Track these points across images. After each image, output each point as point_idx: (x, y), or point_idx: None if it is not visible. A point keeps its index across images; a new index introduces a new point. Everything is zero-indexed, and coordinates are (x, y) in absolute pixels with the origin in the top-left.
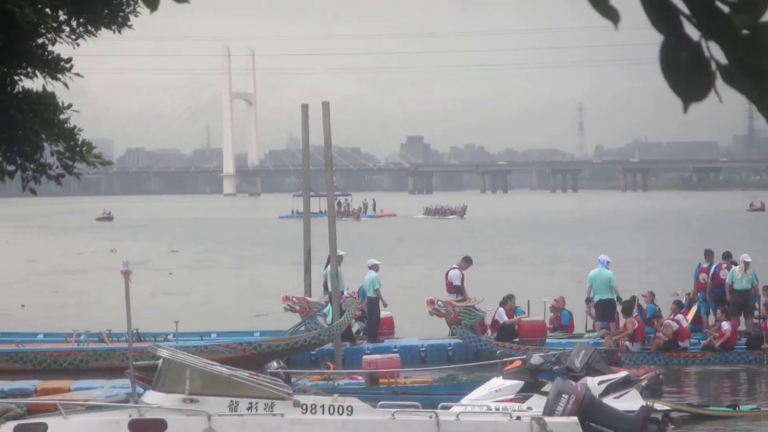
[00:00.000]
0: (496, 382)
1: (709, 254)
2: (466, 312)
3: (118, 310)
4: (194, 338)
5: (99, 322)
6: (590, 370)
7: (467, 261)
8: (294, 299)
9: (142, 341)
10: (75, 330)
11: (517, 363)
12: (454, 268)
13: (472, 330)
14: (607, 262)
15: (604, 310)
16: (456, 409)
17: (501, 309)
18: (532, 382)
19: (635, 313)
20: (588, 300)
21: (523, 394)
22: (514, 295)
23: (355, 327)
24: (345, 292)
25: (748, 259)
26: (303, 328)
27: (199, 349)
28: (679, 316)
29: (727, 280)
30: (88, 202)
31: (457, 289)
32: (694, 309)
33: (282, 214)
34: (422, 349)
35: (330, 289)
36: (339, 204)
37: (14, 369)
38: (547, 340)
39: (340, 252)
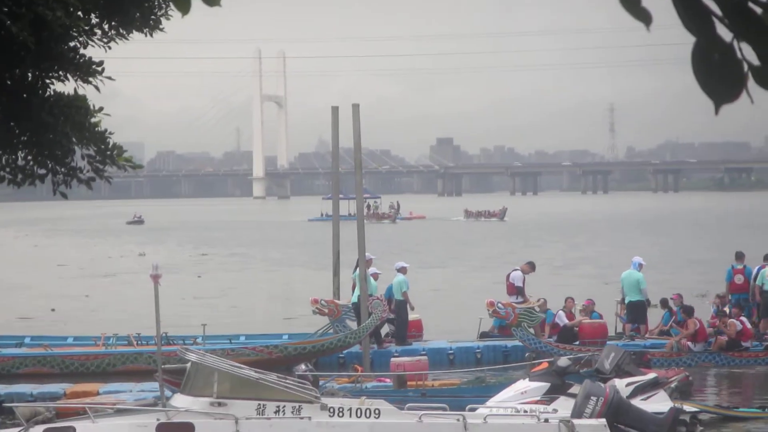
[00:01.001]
0: (523, 384)
1: (740, 256)
2: (525, 314)
3: (147, 314)
4: (223, 341)
5: (129, 325)
6: (620, 372)
7: (531, 265)
8: (323, 302)
9: (170, 344)
10: (103, 333)
11: (544, 365)
12: (516, 269)
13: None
14: (640, 265)
15: (635, 312)
16: (482, 411)
17: (561, 311)
18: (559, 384)
19: (664, 314)
20: (620, 301)
21: (550, 396)
22: (573, 297)
23: (384, 330)
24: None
25: None
26: (331, 330)
27: (225, 352)
28: (743, 317)
29: (757, 281)
30: (118, 205)
31: (518, 291)
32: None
33: (311, 217)
34: (450, 351)
35: (359, 291)
36: (369, 207)
37: (42, 372)
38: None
39: (369, 256)
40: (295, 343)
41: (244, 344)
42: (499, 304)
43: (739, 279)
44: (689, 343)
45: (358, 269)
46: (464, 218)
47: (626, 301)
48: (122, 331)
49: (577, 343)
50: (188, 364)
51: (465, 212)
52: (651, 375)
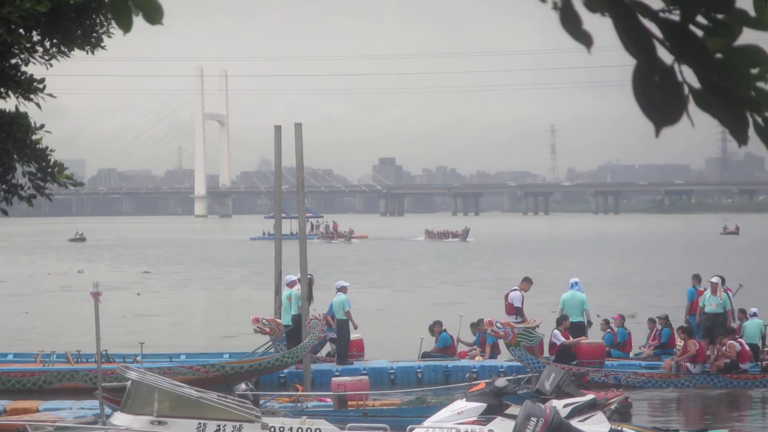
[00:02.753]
0: (460, 404)
1: (698, 277)
2: (525, 334)
3: (87, 331)
4: (163, 360)
5: (68, 342)
6: (560, 392)
7: (528, 282)
8: (264, 321)
9: (110, 362)
10: (41, 350)
11: (481, 385)
12: (515, 289)
13: (530, 351)
14: (577, 283)
15: (576, 332)
16: (418, 431)
17: (556, 330)
18: (496, 404)
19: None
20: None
21: (486, 416)
22: (568, 316)
23: (326, 349)
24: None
25: (716, 281)
26: (272, 349)
27: (162, 371)
28: (742, 339)
29: (700, 303)
30: (59, 223)
31: (517, 311)
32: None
33: (253, 235)
34: (391, 371)
35: (294, 311)
36: (328, 227)
37: None
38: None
39: (291, 277)
40: (232, 362)
41: (181, 363)
42: (498, 324)
43: (701, 301)
44: (688, 364)
45: (288, 288)
46: (425, 239)
47: (571, 321)
48: (61, 348)
49: (575, 362)
50: (128, 382)
51: (426, 232)
52: (589, 396)
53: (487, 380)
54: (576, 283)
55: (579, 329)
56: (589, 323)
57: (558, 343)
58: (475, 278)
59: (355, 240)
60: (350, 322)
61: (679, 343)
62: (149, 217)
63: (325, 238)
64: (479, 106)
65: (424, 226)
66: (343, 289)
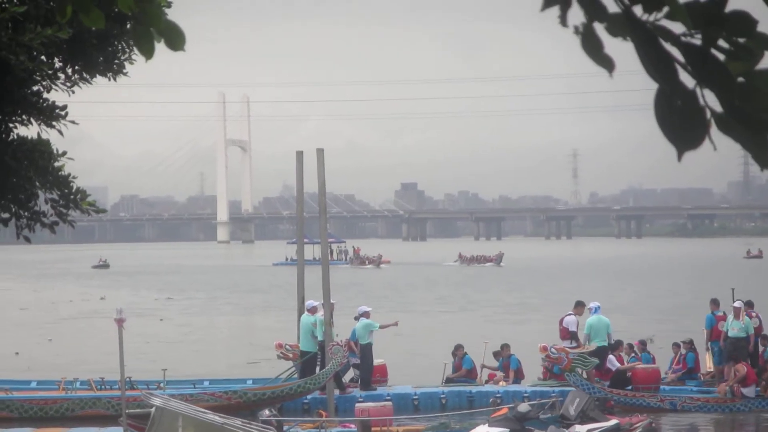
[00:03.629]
0: (482, 430)
1: (716, 302)
2: (579, 359)
3: (111, 358)
4: (186, 386)
5: (91, 369)
6: (585, 417)
7: (581, 305)
8: (287, 346)
9: (133, 389)
10: (63, 377)
11: (504, 410)
12: (570, 314)
13: (587, 377)
14: (599, 308)
15: (599, 356)
16: None
17: (611, 356)
18: (518, 429)
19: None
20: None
21: None
22: (622, 341)
23: (350, 374)
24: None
25: (738, 305)
26: (296, 375)
27: (185, 398)
28: None
29: (723, 327)
30: (82, 249)
31: (572, 336)
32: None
33: (276, 261)
34: (415, 397)
35: (320, 336)
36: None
37: (2, 416)
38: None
39: (311, 303)
40: (255, 389)
41: (204, 389)
42: (553, 349)
43: (722, 326)
44: (742, 388)
45: (309, 314)
46: (458, 263)
47: (597, 346)
48: (84, 375)
49: (630, 388)
50: (152, 409)
51: (459, 256)
52: (613, 421)
53: (509, 405)
54: (598, 308)
55: (601, 353)
56: (611, 346)
57: (613, 369)
58: (515, 302)
59: (384, 265)
60: (387, 326)
61: (709, 367)
62: (172, 243)
63: (356, 263)
64: (501, 131)
65: (449, 251)
66: (365, 314)
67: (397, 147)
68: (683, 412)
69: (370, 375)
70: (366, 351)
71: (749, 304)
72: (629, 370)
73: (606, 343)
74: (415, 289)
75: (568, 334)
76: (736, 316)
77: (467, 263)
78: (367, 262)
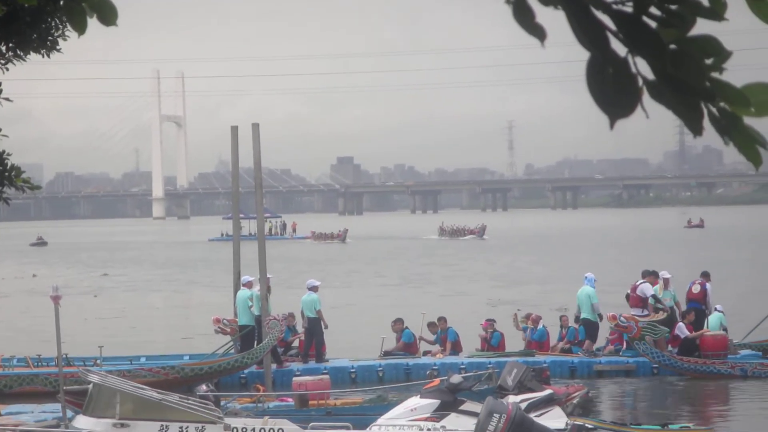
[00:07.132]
0: (413, 401)
1: (647, 274)
2: (649, 327)
3: (48, 335)
4: (123, 362)
5: (29, 347)
6: (522, 388)
7: (654, 275)
8: (225, 321)
9: (71, 366)
10: (0, 354)
11: (436, 382)
12: (644, 281)
13: (655, 345)
14: (587, 278)
15: (587, 328)
16: (373, 429)
17: (681, 323)
18: (450, 400)
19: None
20: (576, 318)
21: (440, 413)
22: (693, 310)
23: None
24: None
25: (668, 276)
26: (233, 350)
27: (122, 374)
28: None
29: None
30: (17, 227)
31: (644, 304)
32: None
33: (212, 236)
34: (352, 370)
35: (257, 311)
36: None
37: None
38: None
39: (250, 277)
40: (192, 364)
41: (141, 365)
42: (622, 318)
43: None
44: None
45: (245, 289)
46: (438, 236)
47: (581, 318)
48: (21, 352)
49: (698, 354)
50: (90, 385)
51: (439, 230)
52: (547, 391)
53: (442, 377)
54: (588, 279)
55: (588, 325)
56: (600, 317)
57: (682, 336)
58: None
59: (350, 240)
60: (321, 321)
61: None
62: (107, 220)
63: (318, 238)
64: (437, 103)
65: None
66: (314, 288)
67: (333, 120)
68: (754, 378)
69: (322, 347)
70: (313, 323)
71: (705, 275)
72: (698, 338)
73: (590, 316)
74: (377, 263)
75: (640, 302)
76: (665, 286)
77: (448, 236)
78: (332, 238)
